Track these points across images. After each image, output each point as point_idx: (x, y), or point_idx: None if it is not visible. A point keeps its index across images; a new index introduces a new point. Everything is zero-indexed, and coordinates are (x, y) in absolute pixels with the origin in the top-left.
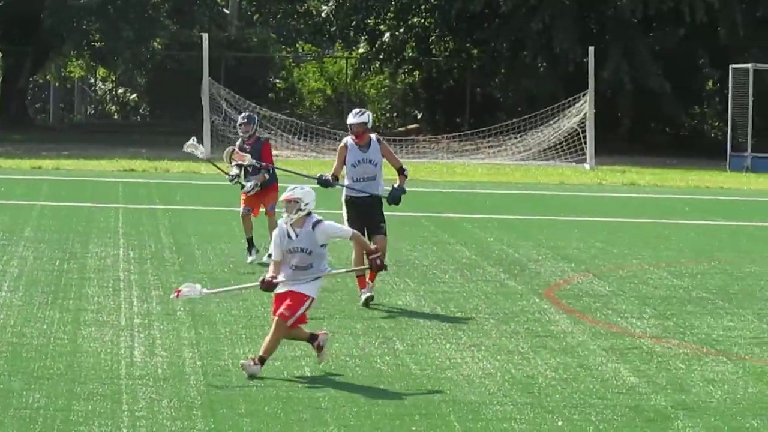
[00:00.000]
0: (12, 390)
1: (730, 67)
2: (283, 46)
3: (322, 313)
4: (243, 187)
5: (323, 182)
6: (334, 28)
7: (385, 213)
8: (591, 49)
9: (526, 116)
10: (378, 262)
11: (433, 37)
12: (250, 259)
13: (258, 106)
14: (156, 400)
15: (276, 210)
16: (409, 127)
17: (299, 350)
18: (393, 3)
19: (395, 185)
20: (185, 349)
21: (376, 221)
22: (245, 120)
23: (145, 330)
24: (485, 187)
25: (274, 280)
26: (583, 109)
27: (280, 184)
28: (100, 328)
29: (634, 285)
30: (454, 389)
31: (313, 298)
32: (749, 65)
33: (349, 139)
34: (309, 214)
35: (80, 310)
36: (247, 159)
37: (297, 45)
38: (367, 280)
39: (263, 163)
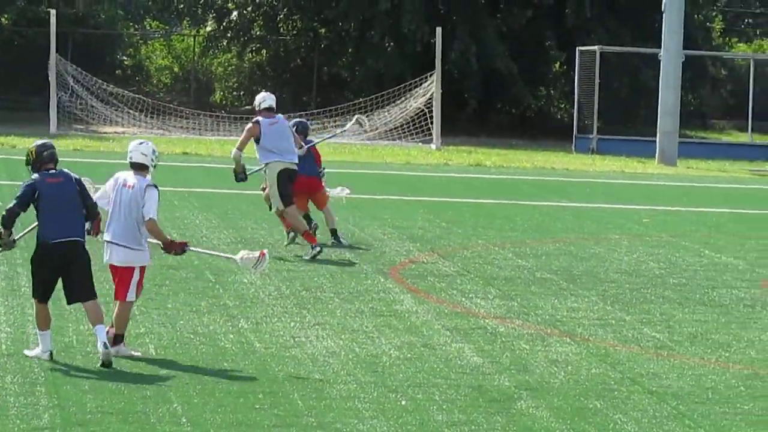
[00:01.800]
0: None
1: (577, 49)
2: (131, 23)
3: (166, 290)
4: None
5: None
6: (182, 6)
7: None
8: (438, 29)
9: (374, 96)
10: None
11: (281, 16)
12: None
13: (105, 83)
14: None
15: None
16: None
17: (143, 327)
18: None
19: None
20: (29, 325)
21: None
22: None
23: None
24: (331, 166)
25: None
26: (430, 89)
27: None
28: None
29: (478, 265)
30: (298, 367)
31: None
32: (596, 47)
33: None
34: None
35: None
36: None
37: (145, 22)
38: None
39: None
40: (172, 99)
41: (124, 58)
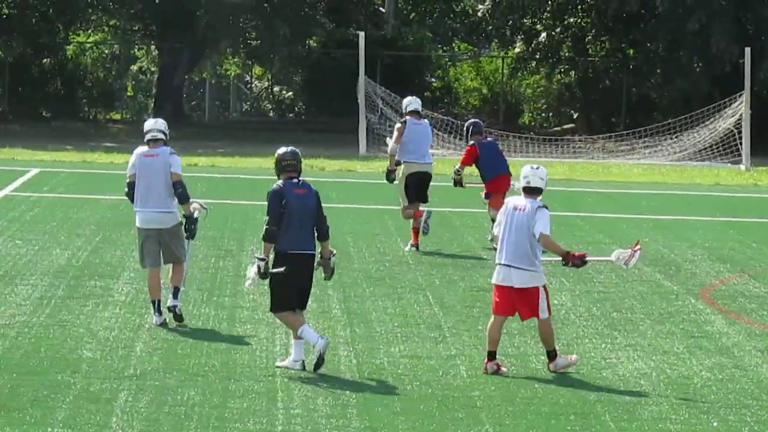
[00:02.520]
0: (167, 387)
1: None
2: (440, 45)
3: (477, 312)
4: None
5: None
6: (490, 28)
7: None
8: (747, 49)
9: (682, 117)
10: None
11: (589, 37)
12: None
13: None
14: (311, 398)
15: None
16: (565, 126)
17: (454, 349)
18: (549, 3)
19: None
20: (340, 347)
21: None
22: None
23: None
24: (641, 187)
25: None
26: (739, 110)
27: None
28: (255, 326)
29: None
30: (609, 389)
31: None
32: None
33: None
34: None
35: (235, 308)
36: None
37: (453, 44)
38: None
39: None
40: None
41: (433, 80)
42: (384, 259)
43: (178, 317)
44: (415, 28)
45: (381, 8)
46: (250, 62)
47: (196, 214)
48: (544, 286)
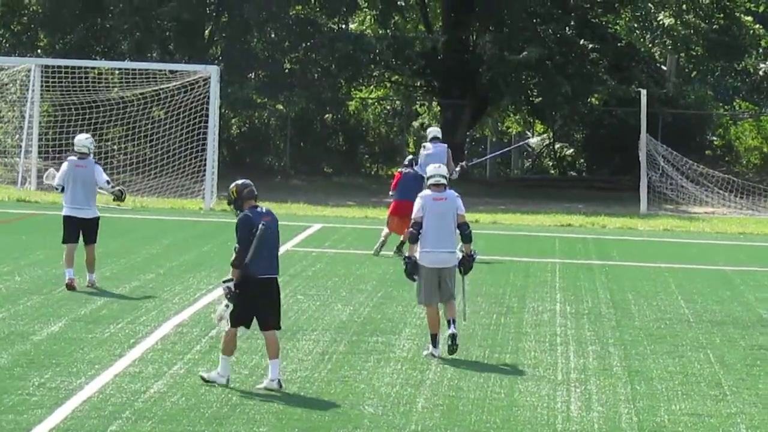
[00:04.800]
0: None
1: None
2: (721, 104)
3: (757, 371)
4: None
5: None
6: None
7: None
8: None
9: None
10: None
11: None
12: None
13: (695, 163)
14: None
15: None
16: None
17: (735, 407)
18: None
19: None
20: (621, 405)
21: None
22: None
23: (582, 385)
24: None
25: None
26: None
27: None
28: (537, 383)
29: None
30: None
31: None
32: None
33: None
34: None
35: (517, 365)
36: None
37: (734, 102)
38: None
39: None
40: (761, 180)
41: (714, 138)
42: (665, 317)
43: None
44: (697, 86)
45: (663, 66)
46: (530, 119)
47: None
48: None
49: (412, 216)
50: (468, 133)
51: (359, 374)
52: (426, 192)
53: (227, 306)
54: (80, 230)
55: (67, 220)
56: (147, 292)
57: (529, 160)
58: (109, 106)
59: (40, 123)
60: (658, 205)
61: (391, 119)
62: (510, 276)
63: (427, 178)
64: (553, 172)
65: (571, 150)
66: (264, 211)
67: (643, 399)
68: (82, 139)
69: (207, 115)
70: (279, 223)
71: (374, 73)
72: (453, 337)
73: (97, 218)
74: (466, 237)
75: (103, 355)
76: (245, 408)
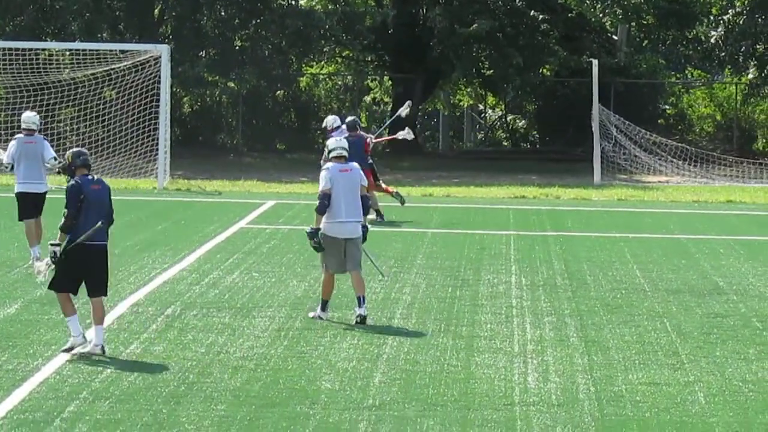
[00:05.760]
0: (406, 417)
1: None
2: (672, 72)
3: (714, 338)
4: None
5: None
6: (723, 54)
7: None
8: None
9: None
10: None
11: None
12: None
13: (648, 132)
14: (550, 427)
15: None
16: None
17: (692, 376)
18: None
19: None
20: (578, 375)
21: None
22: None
23: (539, 356)
24: None
25: None
26: None
27: None
28: (493, 355)
29: None
30: None
31: None
32: None
33: None
34: None
35: (473, 337)
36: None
37: (686, 71)
38: None
39: None
40: (714, 147)
41: (667, 107)
42: (620, 287)
43: None
44: (648, 55)
45: (614, 36)
46: (482, 92)
47: None
48: None
49: (321, 188)
50: (420, 107)
51: (315, 350)
52: (330, 164)
53: (48, 265)
54: (35, 205)
55: (22, 196)
56: None
57: (482, 132)
58: (60, 88)
59: None
60: (612, 175)
61: (342, 95)
62: (465, 249)
63: (329, 151)
64: (506, 144)
65: (524, 122)
66: (94, 179)
67: (600, 369)
68: (31, 116)
69: (158, 95)
70: (111, 190)
71: (325, 49)
72: (363, 318)
73: (46, 193)
74: (366, 209)
75: (60, 336)
76: (202, 386)
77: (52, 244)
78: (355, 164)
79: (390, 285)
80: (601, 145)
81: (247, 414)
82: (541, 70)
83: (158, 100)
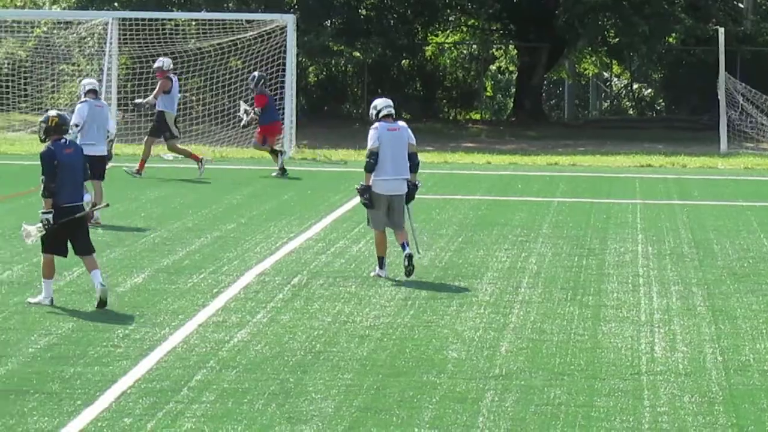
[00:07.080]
0: (533, 386)
1: None
2: None
3: None
4: None
5: None
6: None
7: None
8: None
9: None
10: None
11: None
12: None
13: None
14: (677, 396)
15: None
16: None
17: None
18: None
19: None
20: (706, 345)
21: None
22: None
23: (666, 325)
24: None
25: None
26: None
27: None
28: (620, 324)
29: None
30: None
31: None
32: None
33: None
34: None
35: (600, 306)
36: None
37: None
38: None
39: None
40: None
41: None
42: (747, 256)
43: None
44: None
45: (740, 4)
46: (608, 60)
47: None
48: None
49: (369, 146)
50: (545, 76)
51: (442, 319)
52: (379, 123)
53: (39, 230)
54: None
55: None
56: (228, 242)
57: (607, 101)
58: (186, 58)
59: (118, 76)
60: (738, 143)
61: (467, 64)
62: (591, 218)
63: (378, 111)
64: (631, 112)
65: (650, 90)
66: (67, 142)
67: (727, 338)
68: (93, 81)
69: (284, 64)
70: (84, 153)
71: (450, 18)
72: (410, 256)
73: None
74: (415, 166)
75: (187, 305)
76: (329, 355)
77: (43, 212)
78: (403, 123)
79: (516, 254)
80: (727, 113)
81: (374, 383)
82: (666, 39)
83: (284, 70)
